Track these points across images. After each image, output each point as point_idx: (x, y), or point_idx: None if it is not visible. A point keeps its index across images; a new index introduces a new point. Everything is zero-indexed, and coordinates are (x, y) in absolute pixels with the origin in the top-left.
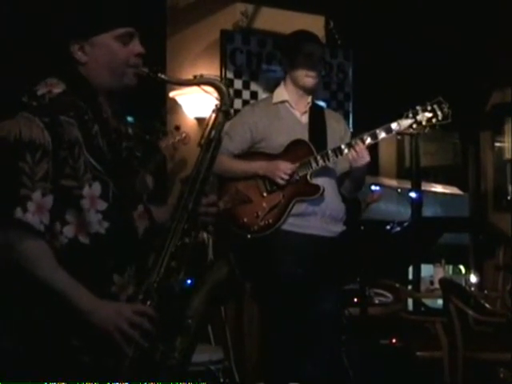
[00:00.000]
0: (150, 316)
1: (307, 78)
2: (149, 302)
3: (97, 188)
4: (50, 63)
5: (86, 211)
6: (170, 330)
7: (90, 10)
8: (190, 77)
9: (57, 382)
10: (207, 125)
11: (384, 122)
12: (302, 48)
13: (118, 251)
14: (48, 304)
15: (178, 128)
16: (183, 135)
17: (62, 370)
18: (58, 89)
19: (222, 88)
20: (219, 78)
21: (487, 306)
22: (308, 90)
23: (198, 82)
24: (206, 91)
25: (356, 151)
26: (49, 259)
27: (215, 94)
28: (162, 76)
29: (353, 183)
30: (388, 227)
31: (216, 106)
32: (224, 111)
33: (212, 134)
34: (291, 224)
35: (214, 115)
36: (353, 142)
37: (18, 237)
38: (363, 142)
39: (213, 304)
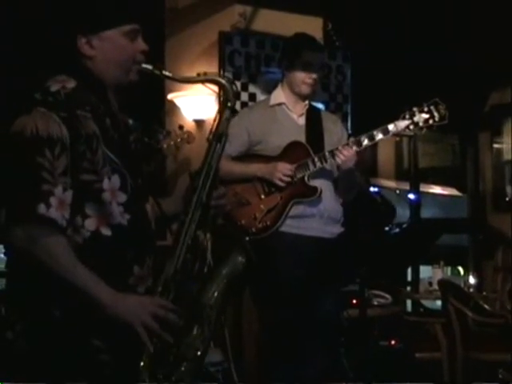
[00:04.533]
0: (172, 309)
1: (303, 85)
2: (168, 295)
3: (116, 180)
4: (56, 58)
5: (107, 204)
6: (190, 321)
7: (100, 5)
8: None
9: (76, 382)
10: (214, 121)
11: (383, 124)
12: (302, 55)
13: (139, 242)
14: (66, 303)
15: (181, 127)
16: (186, 135)
17: (82, 370)
18: (70, 84)
19: (226, 85)
20: (223, 75)
21: (486, 307)
22: (303, 97)
23: (202, 79)
24: (210, 89)
25: (344, 155)
26: (70, 255)
27: (219, 91)
28: (167, 73)
29: (344, 186)
30: (387, 228)
31: (221, 102)
32: (229, 107)
33: (219, 129)
34: (289, 226)
35: (219, 111)
36: (349, 144)
37: (41, 232)
38: (360, 143)
39: (231, 293)
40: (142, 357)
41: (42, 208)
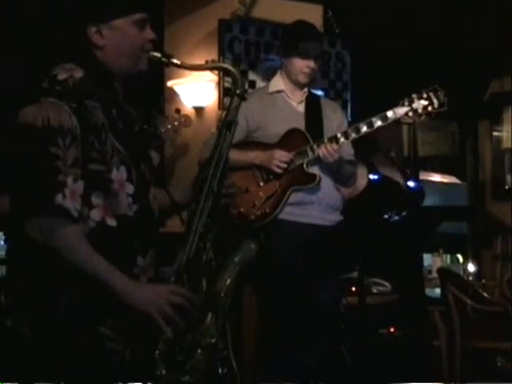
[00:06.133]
0: (187, 297)
1: (300, 74)
2: (181, 283)
3: (123, 172)
4: (65, 47)
5: (114, 194)
6: (204, 309)
7: None
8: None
9: (84, 370)
10: (224, 109)
11: (382, 111)
12: (299, 44)
13: (143, 233)
14: (73, 291)
15: (178, 111)
16: (183, 118)
17: (88, 357)
18: (78, 73)
19: (235, 72)
20: (231, 63)
21: (485, 295)
22: (301, 85)
23: (211, 66)
24: (213, 74)
25: (327, 150)
26: (85, 244)
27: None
28: (175, 61)
29: (337, 176)
30: (386, 216)
31: (231, 90)
32: (238, 95)
33: (229, 117)
34: (288, 213)
35: (229, 99)
36: (349, 131)
37: (57, 223)
38: (359, 130)
39: (243, 281)
40: (157, 345)
41: (59, 198)
